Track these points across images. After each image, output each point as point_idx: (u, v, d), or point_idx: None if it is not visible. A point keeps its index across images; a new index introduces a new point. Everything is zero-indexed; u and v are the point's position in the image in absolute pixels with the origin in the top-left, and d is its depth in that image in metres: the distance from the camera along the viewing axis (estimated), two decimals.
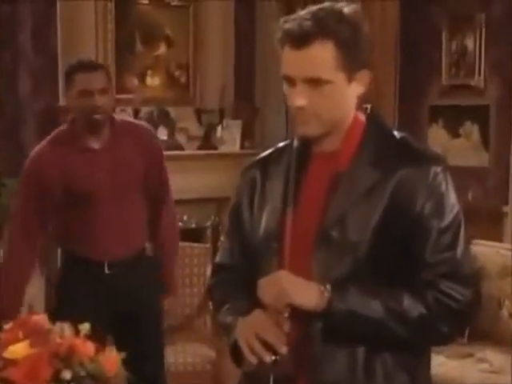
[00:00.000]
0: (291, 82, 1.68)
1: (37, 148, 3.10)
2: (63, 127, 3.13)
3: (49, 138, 3.09)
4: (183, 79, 5.73)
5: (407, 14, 5.43)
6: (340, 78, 1.67)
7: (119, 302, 3.06)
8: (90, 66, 2.97)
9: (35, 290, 5.04)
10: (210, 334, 4.13)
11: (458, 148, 5.31)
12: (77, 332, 1.56)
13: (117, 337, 2.95)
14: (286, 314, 1.65)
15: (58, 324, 1.55)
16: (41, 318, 1.56)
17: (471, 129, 5.28)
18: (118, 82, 5.17)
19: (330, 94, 1.67)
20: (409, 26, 5.48)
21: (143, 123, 3.32)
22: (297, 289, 1.64)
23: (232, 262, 1.90)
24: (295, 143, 1.79)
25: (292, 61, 1.67)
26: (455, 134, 5.37)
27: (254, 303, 1.70)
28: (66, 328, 1.53)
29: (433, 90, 5.49)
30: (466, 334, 3.83)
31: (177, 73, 5.72)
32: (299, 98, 1.67)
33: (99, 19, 5.35)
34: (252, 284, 1.72)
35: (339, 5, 1.69)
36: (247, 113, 5.82)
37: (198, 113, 5.67)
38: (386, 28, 5.38)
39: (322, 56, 1.64)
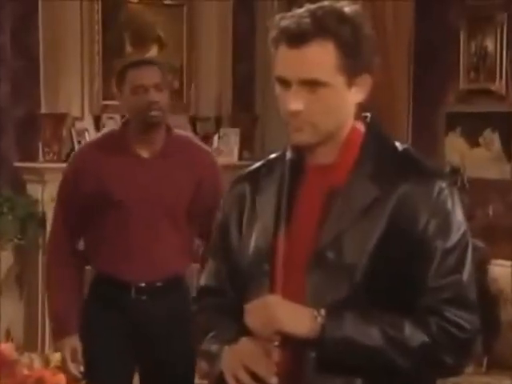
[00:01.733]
0: (286, 84, 1.68)
1: (79, 147, 3.15)
2: (115, 128, 3.16)
3: (95, 137, 3.14)
4: (176, 84, 5.71)
5: (422, 13, 5.44)
6: (339, 82, 1.67)
7: (144, 336, 2.99)
8: (142, 62, 3.04)
9: (13, 314, 5.05)
10: None
11: (478, 158, 5.30)
12: (47, 363, 1.56)
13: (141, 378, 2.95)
14: (276, 343, 1.65)
15: (26, 354, 1.55)
16: (7, 348, 1.56)
17: (492, 137, 5.27)
18: (106, 87, 5.19)
19: (328, 98, 1.67)
20: (423, 26, 5.48)
21: (205, 146, 3.31)
22: (286, 314, 1.64)
23: (218, 285, 1.89)
24: (288, 155, 1.79)
25: (288, 61, 1.67)
26: (474, 144, 5.36)
27: (242, 331, 1.70)
28: (35, 358, 1.54)
29: (450, 95, 5.48)
30: (485, 362, 3.82)
31: (169, 77, 5.74)
32: (294, 102, 1.67)
33: (85, 19, 5.37)
34: (240, 309, 1.72)
35: (339, 4, 1.70)
36: (246, 121, 5.83)
37: (193, 121, 5.68)
38: (398, 29, 5.39)
39: (321, 56, 1.65)
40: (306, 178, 1.77)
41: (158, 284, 2.99)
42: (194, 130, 5.65)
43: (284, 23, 1.68)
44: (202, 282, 1.94)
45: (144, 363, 3.06)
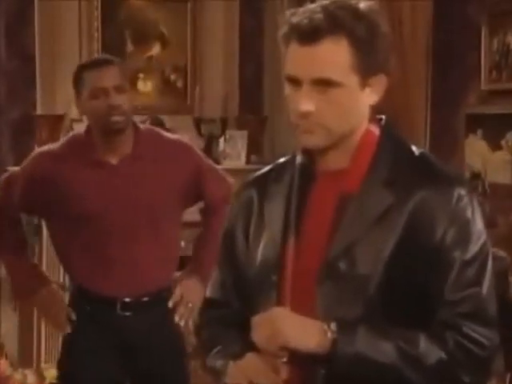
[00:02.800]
0: (296, 83, 1.68)
1: (37, 152, 3.05)
2: (77, 133, 3.06)
3: (56, 143, 3.02)
4: (180, 84, 5.76)
5: (440, 9, 5.44)
6: (353, 82, 1.67)
7: (133, 355, 2.96)
8: (100, 62, 2.93)
9: (8, 327, 5.06)
10: None
11: (500, 162, 5.27)
12: (42, 379, 1.56)
13: None
14: (284, 359, 1.64)
15: (20, 371, 1.55)
16: (1, 364, 1.57)
17: None
18: None
19: (341, 99, 1.67)
20: (442, 23, 5.47)
21: (179, 136, 3.23)
22: (293, 328, 1.63)
23: (223, 297, 1.89)
24: (298, 159, 1.79)
25: (299, 59, 1.67)
26: (496, 147, 5.34)
27: (248, 345, 1.70)
28: (29, 374, 1.54)
29: (470, 96, 5.47)
30: (508, 379, 3.79)
31: (173, 77, 5.75)
32: (305, 102, 1.66)
33: (83, 16, 5.40)
34: (246, 322, 1.72)
35: (354, 0, 1.70)
36: (254, 123, 5.84)
37: (198, 122, 5.69)
38: (416, 26, 5.39)
39: (334, 54, 1.65)
40: (317, 184, 1.76)
41: (144, 299, 2.94)
42: (199, 132, 5.65)
43: (295, 19, 1.67)
44: (208, 293, 1.95)
45: (133, 379, 3.02)
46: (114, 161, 2.91)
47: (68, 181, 2.89)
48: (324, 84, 1.65)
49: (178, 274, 3.12)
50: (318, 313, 1.68)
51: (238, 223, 1.86)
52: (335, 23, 1.64)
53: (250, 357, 1.70)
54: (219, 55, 5.80)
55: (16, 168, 5.13)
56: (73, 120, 5.41)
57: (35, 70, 5.28)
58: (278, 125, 5.89)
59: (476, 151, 5.32)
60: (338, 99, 1.66)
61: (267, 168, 1.89)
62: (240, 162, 5.68)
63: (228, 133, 5.73)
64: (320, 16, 1.65)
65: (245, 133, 5.75)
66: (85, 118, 5.37)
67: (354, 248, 1.68)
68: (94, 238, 2.90)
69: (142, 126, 3.02)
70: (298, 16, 1.67)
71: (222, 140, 5.72)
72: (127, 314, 2.93)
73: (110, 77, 2.86)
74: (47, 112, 5.32)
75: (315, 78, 1.65)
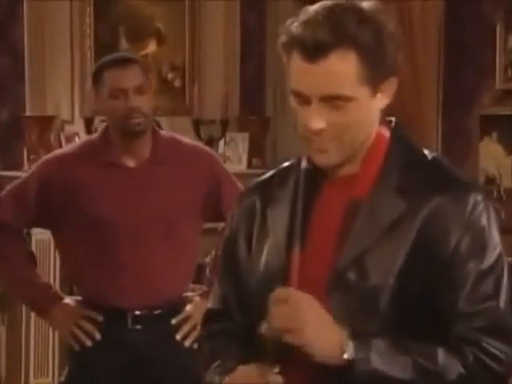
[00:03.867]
0: (304, 99, 1.67)
1: (52, 154, 3.07)
2: (94, 136, 3.09)
3: (72, 145, 3.06)
4: (178, 83, 5.76)
5: (452, 6, 5.44)
6: (363, 93, 1.67)
7: (143, 370, 2.96)
8: (120, 61, 2.94)
9: None
10: None
11: None
12: None
13: None
14: (277, 369, 1.65)
15: None
16: None
17: None
18: None
19: (353, 112, 1.66)
20: (454, 20, 5.48)
21: (201, 145, 3.25)
22: (315, 327, 1.62)
23: (224, 308, 1.89)
24: (303, 164, 1.78)
25: (306, 76, 1.65)
26: None
27: (248, 358, 1.70)
28: None
29: (485, 96, 5.47)
30: None
31: (170, 76, 5.75)
32: (317, 120, 1.66)
33: (75, 11, 5.39)
34: (248, 336, 1.72)
35: (355, 1, 1.68)
36: (256, 124, 5.84)
37: (196, 124, 5.67)
38: (426, 25, 5.41)
39: (343, 69, 1.64)
40: (324, 190, 1.76)
41: (156, 312, 2.95)
42: (198, 135, 5.65)
43: (297, 31, 1.65)
44: (210, 304, 1.95)
45: None
46: (130, 163, 2.94)
47: (80, 182, 2.90)
48: (334, 99, 1.65)
49: (192, 285, 3.14)
50: None
51: (239, 231, 1.86)
52: (341, 35, 1.63)
53: (241, 369, 1.71)
54: (219, 53, 5.80)
55: (5, 173, 5.18)
56: (64, 121, 5.42)
57: (24, 69, 5.27)
58: (282, 126, 5.90)
59: (491, 155, 5.33)
60: (349, 113, 1.66)
61: (270, 173, 1.89)
62: (241, 165, 5.67)
63: (228, 135, 5.73)
64: (325, 30, 1.63)
65: (246, 135, 5.75)
66: (77, 119, 5.44)
67: (364, 258, 1.68)
68: (105, 245, 2.91)
69: (162, 132, 3.05)
70: (300, 27, 1.65)
71: (222, 143, 5.71)
72: (138, 327, 2.94)
73: (130, 77, 2.88)
74: (37, 113, 5.31)
75: (325, 94, 1.65)
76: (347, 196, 1.73)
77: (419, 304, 1.67)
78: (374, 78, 1.67)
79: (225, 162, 5.68)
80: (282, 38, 1.69)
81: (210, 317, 1.94)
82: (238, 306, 1.86)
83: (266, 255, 1.78)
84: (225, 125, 5.70)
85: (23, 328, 4.98)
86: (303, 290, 1.69)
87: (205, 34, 5.76)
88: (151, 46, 5.64)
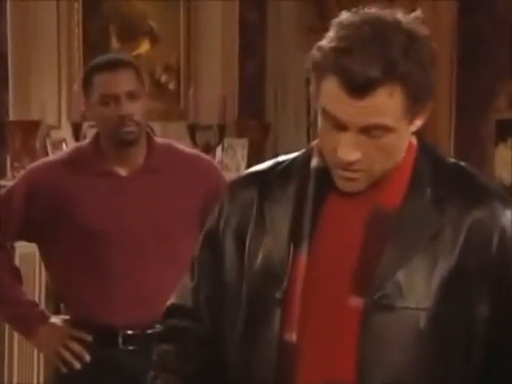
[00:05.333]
0: (339, 124, 1.65)
1: (36, 163, 3.06)
2: (83, 143, 3.08)
3: (60, 152, 3.06)
4: (172, 86, 5.75)
5: (466, 4, 5.44)
6: (404, 123, 1.67)
7: None
8: (112, 64, 2.93)
9: None
10: None
11: None
12: None
13: None
14: None
15: None
16: None
17: None
18: None
19: (391, 142, 1.66)
20: (468, 19, 5.48)
21: (199, 153, 3.25)
22: None
23: (193, 307, 1.86)
24: (314, 163, 1.76)
25: (346, 106, 1.63)
26: None
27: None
28: None
29: (500, 99, 5.47)
30: None
31: (164, 77, 5.75)
32: (352, 152, 1.64)
33: (62, 9, 5.40)
34: (214, 343, 1.74)
35: (401, 23, 1.65)
36: (255, 130, 5.82)
37: (192, 129, 5.67)
38: (439, 24, 5.40)
39: (389, 104, 1.63)
40: (339, 193, 1.73)
41: (150, 331, 2.86)
42: (193, 141, 5.64)
43: (341, 59, 1.61)
44: (174, 299, 1.92)
45: None
46: (123, 172, 2.93)
47: (69, 192, 2.90)
48: (374, 129, 1.64)
49: None
50: (357, 355, 1.64)
51: (229, 224, 1.83)
52: (391, 72, 1.61)
53: None
54: (216, 53, 5.79)
55: None
56: (50, 127, 5.41)
57: (7, 70, 5.27)
58: (283, 132, 5.90)
59: (507, 162, 5.31)
60: (387, 143, 1.66)
61: (267, 164, 1.86)
62: (239, 173, 5.63)
63: (226, 141, 5.72)
64: (375, 65, 1.59)
65: (245, 141, 5.73)
66: (64, 124, 5.43)
67: (400, 275, 1.66)
68: (96, 259, 2.89)
69: (157, 138, 3.03)
70: (344, 55, 1.61)
71: (219, 149, 5.70)
72: (130, 348, 2.92)
73: (122, 81, 2.87)
74: (21, 117, 5.31)
75: (366, 125, 1.64)
76: (369, 203, 1.70)
77: (462, 327, 1.66)
78: (416, 109, 1.67)
79: (222, 170, 5.67)
80: (317, 58, 1.65)
81: (173, 313, 1.91)
82: (212, 307, 1.83)
83: (264, 257, 1.75)
84: (222, 130, 5.69)
85: (6, 349, 4.97)
86: (307, 299, 1.68)
87: (201, 33, 5.76)
88: (144, 46, 5.65)
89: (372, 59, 1.60)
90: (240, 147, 5.73)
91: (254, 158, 5.75)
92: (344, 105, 1.63)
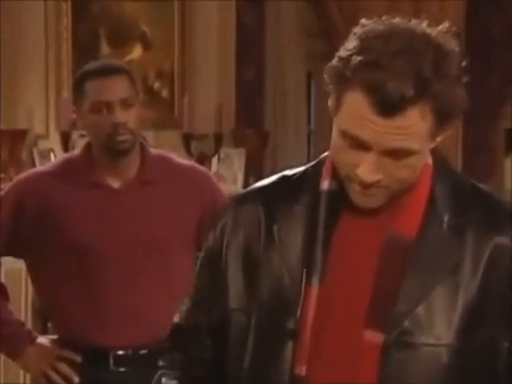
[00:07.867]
0: (361, 145, 1.61)
1: (25, 174, 3.06)
2: (74, 153, 3.08)
3: (49, 163, 3.04)
4: (165, 93, 5.77)
5: (474, 8, 5.45)
6: (428, 145, 1.65)
7: None
8: (105, 70, 2.92)
9: None
10: None
11: None
12: None
13: None
14: None
15: None
16: None
17: None
18: None
19: (414, 164, 1.63)
20: (476, 20, 5.48)
21: (196, 164, 3.26)
22: None
23: (193, 327, 1.87)
24: (325, 185, 1.72)
25: (372, 125, 1.58)
26: None
27: None
28: None
29: (509, 106, 5.47)
30: None
31: (157, 84, 5.76)
32: (374, 173, 1.61)
33: (50, 12, 5.40)
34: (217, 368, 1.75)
35: (431, 36, 1.60)
36: (253, 139, 5.84)
37: (187, 139, 5.68)
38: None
39: (418, 125, 1.59)
40: (351, 217, 1.70)
41: (142, 352, 2.91)
42: (188, 151, 5.65)
43: (370, 74, 1.55)
44: (177, 319, 1.94)
45: None
46: (115, 184, 2.92)
47: (59, 205, 2.89)
48: (398, 152, 1.60)
49: None
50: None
51: (232, 243, 1.80)
52: (424, 91, 1.56)
53: None
54: (212, 58, 5.81)
55: None
56: (37, 136, 5.40)
57: None
58: (282, 142, 5.91)
59: None
60: (409, 164, 1.63)
61: (272, 179, 1.83)
62: (236, 185, 5.64)
63: (222, 151, 5.73)
64: (406, 82, 1.54)
65: (242, 151, 5.75)
66: (52, 133, 5.42)
67: (420, 310, 1.64)
68: (87, 275, 2.88)
69: (151, 149, 3.02)
70: (373, 69, 1.55)
71: (215, 160, 5.71)
72: (121, 369, 2.91)
73: (116, 89, 2.86)
74: (7, 126, 5.30)
75: (392, 148, 1.60)
76: (383, 229, 1.68)
77: (487, 363, 1.65)
78: (443, 129, 1.63)
79: (218, 181, 5.67)
80: (340, 69, 1.60)
81: (178, 334, 1.92)
82: (213, 331, 1.83)
83: (274, 282, 1.72)
84: (218, 139, 5.71)
85: None
86: (319, 331, 1.66)
87: (196, 37, 5.78)
88: (136, 51, 5.67)
89: (403, 75, 1.55)
90: (237, 157, 5.74)
91: (252, 168, 5.76)
92: (370, 124, 1.58)
